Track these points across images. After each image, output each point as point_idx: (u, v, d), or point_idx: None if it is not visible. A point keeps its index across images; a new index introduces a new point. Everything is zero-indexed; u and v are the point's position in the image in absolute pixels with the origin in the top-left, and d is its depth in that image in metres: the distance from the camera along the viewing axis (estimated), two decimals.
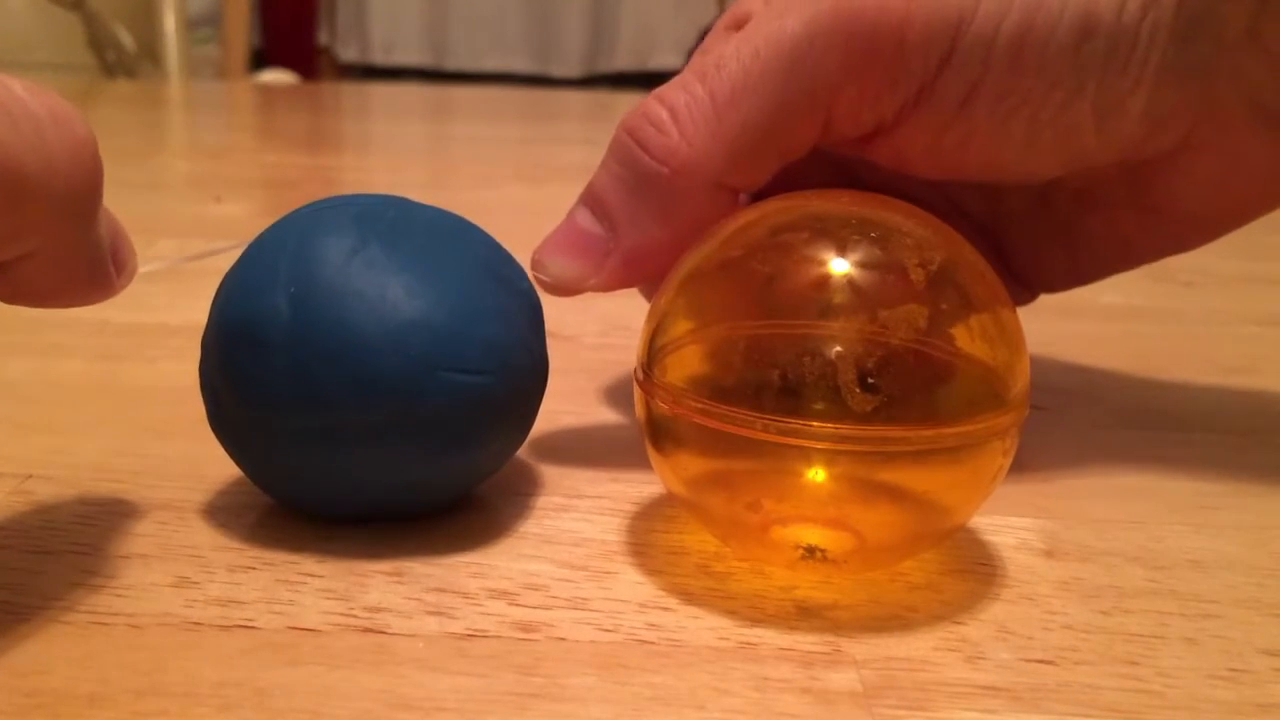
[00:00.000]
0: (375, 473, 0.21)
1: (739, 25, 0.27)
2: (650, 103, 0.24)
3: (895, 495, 0.19)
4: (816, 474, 0.19)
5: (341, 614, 0.19)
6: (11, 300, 0.18)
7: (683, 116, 0.23)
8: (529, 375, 0.22)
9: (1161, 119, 0.24)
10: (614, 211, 0.24)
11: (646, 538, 0.22)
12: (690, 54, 0.28)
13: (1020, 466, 0.26)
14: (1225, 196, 0.26)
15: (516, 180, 0.71)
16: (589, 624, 0.19)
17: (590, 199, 0.24)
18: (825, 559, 0.19)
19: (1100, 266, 0.29)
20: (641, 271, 0.24)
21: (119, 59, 1.44)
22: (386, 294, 0.20)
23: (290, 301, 0.20)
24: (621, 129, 0.24)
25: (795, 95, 0.23)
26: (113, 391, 0.30)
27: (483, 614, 0.19)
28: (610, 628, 0.19)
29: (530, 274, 0.24)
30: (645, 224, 0.24)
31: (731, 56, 0.23)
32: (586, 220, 0.24)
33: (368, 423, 0.20)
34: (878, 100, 0.23)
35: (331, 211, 0.22)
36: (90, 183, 0.17)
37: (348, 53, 2.55)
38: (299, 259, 0.21)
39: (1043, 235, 0.28)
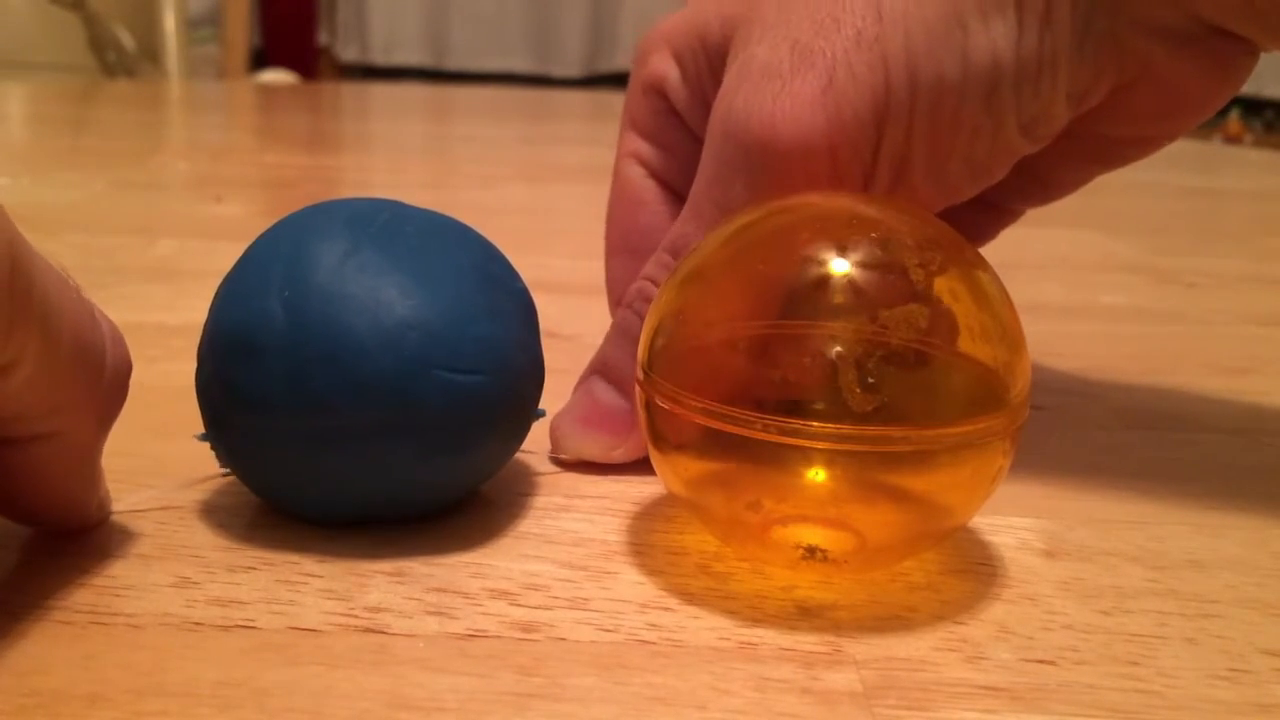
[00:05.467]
0: (373, 474, 0.21)
1: (654, 87, 0.27)
2: (643, 284, 0.25)
3: (895, 495, 0.19)
4: (817, 474, 0.19)
5: (342, 614, 0.19)
6: (6, 494, 0.19)
7: None
8: (525, 375, 0.22)
9: (1084, 94, 0.24)
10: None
11: (647, 538, 0.22)
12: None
13: (1020, 466, 0.26)
14: (1169, 113, 0.26)
15: (517, 180, 0.71)
16: (589, 624, 0.19)
17: (606, 372, 0.26)
18: (825, 559, 0.19)
19: (1071, 183, 0.30)
20: None
21: (119, 59, 1.44)
22: (379, 295, 0.20)
23: (284, 306, 0.20)
24: (624, 308, 0.25)
25: None
26: None
27: (483, 614, 0.19)
28: (611, 628, 0.19)
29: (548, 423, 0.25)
30: None
31: (695, 236, 0.24)
32: (606, 393, 0.25)
33: (364, 424, 0.20)
34: None
35: (323, 216, 0.22)
36: (119, 398, 0.20)
37: (348, 53, 2.55)
38: (292, 264, 0.21)
39: (1007, 176, 0.29)
